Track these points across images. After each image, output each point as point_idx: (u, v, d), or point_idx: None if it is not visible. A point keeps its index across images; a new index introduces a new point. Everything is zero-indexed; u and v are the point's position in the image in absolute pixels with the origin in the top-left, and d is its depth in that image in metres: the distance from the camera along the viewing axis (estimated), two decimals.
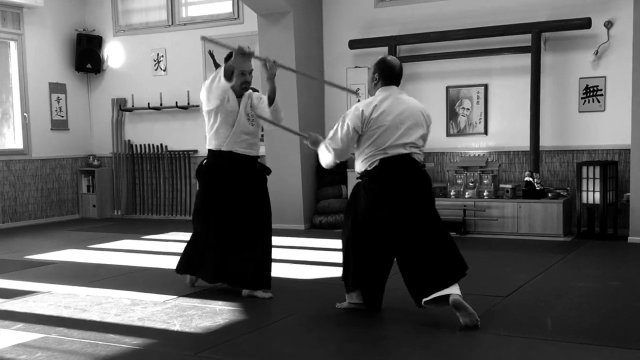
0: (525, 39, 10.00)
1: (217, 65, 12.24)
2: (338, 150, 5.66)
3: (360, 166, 5.70)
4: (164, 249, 9.38)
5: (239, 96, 6.44)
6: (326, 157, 5.80)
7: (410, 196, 5.62)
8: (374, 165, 5.60)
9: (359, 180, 5.78)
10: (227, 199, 6.40)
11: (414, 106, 5.77)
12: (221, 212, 6.41)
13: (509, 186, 10.00)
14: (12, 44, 12.46)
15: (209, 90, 6.18)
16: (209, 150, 6.50)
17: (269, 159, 10.78)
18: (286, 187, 10.97)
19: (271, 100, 6.38)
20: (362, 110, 5.57)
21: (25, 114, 12.54)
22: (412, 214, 5.59)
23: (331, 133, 5.70)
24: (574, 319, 5.48)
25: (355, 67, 11.09)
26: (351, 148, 5.68)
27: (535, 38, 9.88)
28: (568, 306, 5.90)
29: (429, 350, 4.80)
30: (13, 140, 12.57)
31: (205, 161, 6.56)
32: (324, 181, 11.15)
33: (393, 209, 5.58)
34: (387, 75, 5.74)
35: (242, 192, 6.43)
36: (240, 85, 6.38)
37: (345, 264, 5.91)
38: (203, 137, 12.27)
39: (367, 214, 5.67)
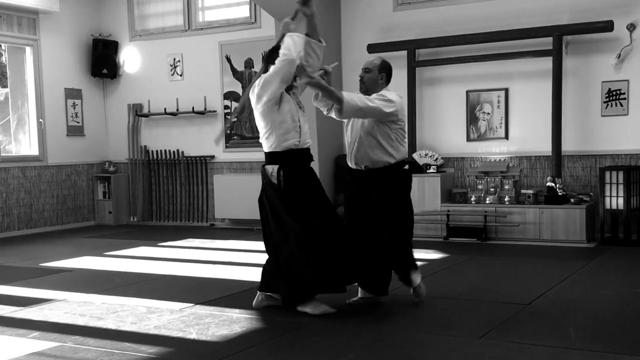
0: (547, 42, 9.96)
1: (234, 70, 12.26)
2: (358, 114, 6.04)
3: (396, 154, 6.16)
4: (181, 256, 9.39)
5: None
6: (352, 108, 5.93)
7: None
8: (400, 159, 6.20)
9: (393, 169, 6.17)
10: (323, 197, 6.14)
11: None
12: (324, 213, 6.07)
13: (530, 192, 9.95)
14: (28, 50, 12.52)
15: (278, 73, 5.84)
16: (281, 153, 5.95)
17: None
18: None
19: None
20: (399, 101, 6.19)
21: (40, 119, 12.59)
22: None
23: (373, 100, 6.02)
24: (597, 327, 5.45)
25: None
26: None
27: (557, 41, 9.84)
28: (591, 314, 5.86)
29: (448, 357, 4.78)
30: (29, 146, 12.62)
31: (278, 166, 5.95)
32: (342, 187, 11.12)
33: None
34: (390, 77, 6.40)
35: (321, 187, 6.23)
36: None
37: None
38: (220, 142, 12.40)
39: (378, 208, 6.08)
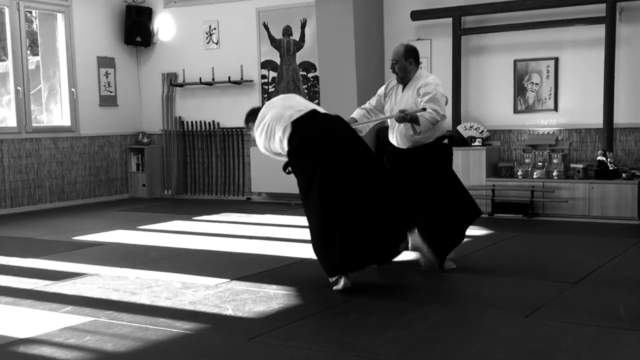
0: (599, 9, 9.85)
1: (272, 38, 12.27)
2: (442, 118, 6.60)
3: (434, 132, 6.74)
4: (216, 231, 9.47)
5: None
6: (433, 122, 6.49)
7: None
8: (440, 135, 6.85)
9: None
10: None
11: None
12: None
13: (580, 166, 9.89)
14: (59, 17, 12.61)
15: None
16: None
17: None
18: None
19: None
20: (441, 91, 6.70)
21: (73, 89, 12.70)
22: None
23: (435, 104, 6.51)
24: None
25: (418, 39, 11.03)
26: None
27: (610, 8, 9.72)
28: None
29: (492, 336, 4.80)
30: (60, 116, 12.75)
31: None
32: (384, 159, 11.11)
33: None
34: (417, 58, 6.86)
35: None
36: None
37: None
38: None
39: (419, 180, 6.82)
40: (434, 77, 6.82)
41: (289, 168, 6.41)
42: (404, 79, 6.81)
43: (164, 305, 5.78)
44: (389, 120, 6.94)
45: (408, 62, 6.75)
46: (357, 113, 7.08)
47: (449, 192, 6.87)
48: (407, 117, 6.47)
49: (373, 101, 7.06)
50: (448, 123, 10.31)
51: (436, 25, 10.97)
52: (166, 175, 13.67)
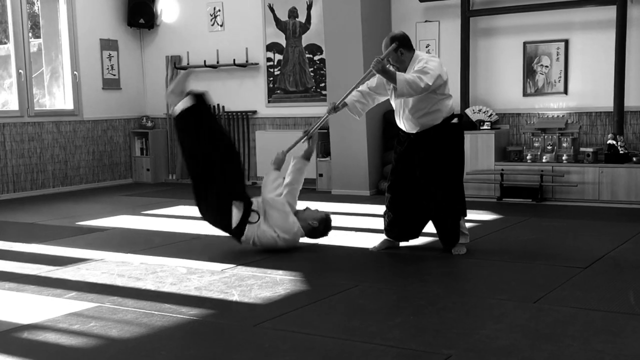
0: None
1: (277, 20, 12.25)
2: (427, 88, 6.39)
3: (442, 113, 6.70)
4: None
5: None
6: (412, 86, 6.33)
7: None
8: (447, 115, 6.74)
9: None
10: None
11: None
12: None
13: (590, 150, 9.89)
14: None
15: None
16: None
17: (332, 120, 10.80)
18: (350, 151, 10.99)
19: None
20: (435, 67, 6.50)
21: (75, 72, 12.71)
22: None
23: (421, 74, 6.37)
24: None
25: (426, 21, 11.04)
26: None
27: None
28: None
29: (501, 321, 4.80)
30: (63, 100, 12.77)
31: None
32: (391, 144, 11.12)
33: None
34: (406, 44, 6.66)
35: None
36: None
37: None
38: (262, 97, 12.47)
39: (429, 164, 6.79)
40: (430, 55, 6.77)
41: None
42: (401, 68, 6.67)
43: (169, 291, 5.80)
44: (394, 105, 6.85)
45: (398, 52, 6.62)
46: (350, 98, 6.94)
47: (448, 180, 6.80)
48: (383, 66, 6.40)
49: (373, 82, 6.87)
50: (456, 106, 10.35)
51: (444, 7, 10.95)
52: (170, 160, 13.69)
